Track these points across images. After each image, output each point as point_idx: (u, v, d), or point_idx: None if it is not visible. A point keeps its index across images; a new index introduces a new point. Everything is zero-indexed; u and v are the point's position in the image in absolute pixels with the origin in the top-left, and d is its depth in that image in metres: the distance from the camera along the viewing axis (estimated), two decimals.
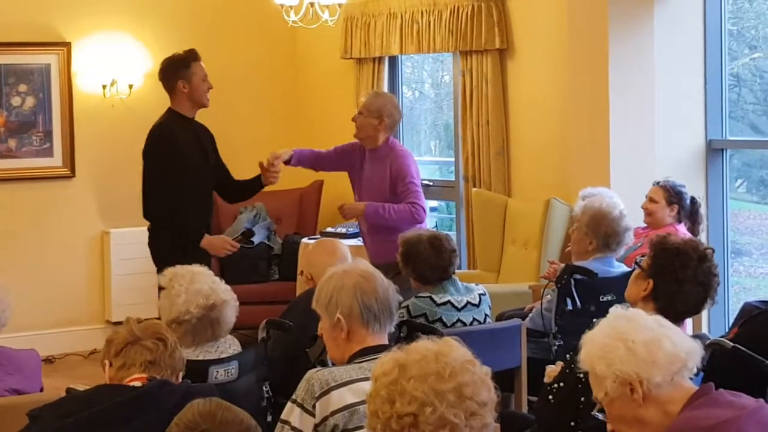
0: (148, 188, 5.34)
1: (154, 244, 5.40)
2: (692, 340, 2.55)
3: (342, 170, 5.87)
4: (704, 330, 5.44)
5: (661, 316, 3.22)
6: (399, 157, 5.59)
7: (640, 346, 2.47)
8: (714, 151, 6.24)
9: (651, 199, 5.60)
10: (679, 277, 3.41)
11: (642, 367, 2.45)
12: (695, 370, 2.52)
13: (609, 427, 2.55)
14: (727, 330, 4.40)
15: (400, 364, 2.18)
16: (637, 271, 3.54)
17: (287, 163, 5.68)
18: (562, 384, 3.36)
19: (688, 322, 4.34)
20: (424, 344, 2.23)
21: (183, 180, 5.27)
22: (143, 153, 5.38)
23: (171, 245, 5.24)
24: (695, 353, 2.51)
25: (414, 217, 5.52)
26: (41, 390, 3.83)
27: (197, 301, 3.67)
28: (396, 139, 5.83)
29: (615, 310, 2.62)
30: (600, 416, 2.57)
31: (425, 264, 4.58)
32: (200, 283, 3.73)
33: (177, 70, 5.37)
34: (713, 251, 3.55)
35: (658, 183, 5.65)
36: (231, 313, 3.77)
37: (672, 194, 5.56)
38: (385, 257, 5.25)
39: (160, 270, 5.30)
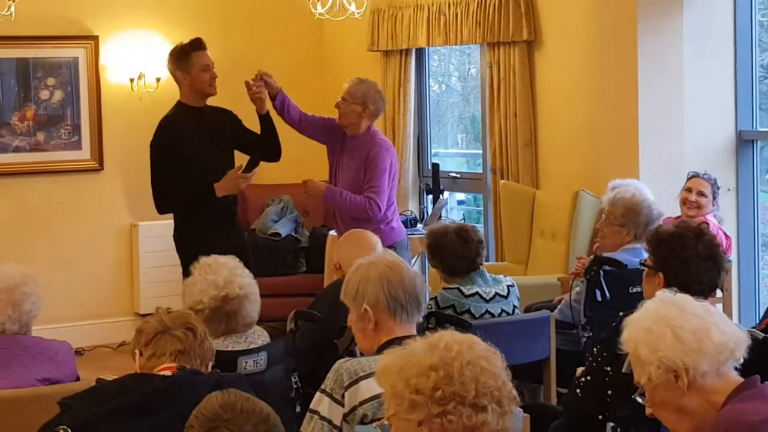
0: (155, 182, 5.33)
1: (176, 235, 5.43)
2: (740, 329, 2.52)
3: (321, 143, 5.72)
4: (734, 321, 5.40)
5: None
6: (376, 146, 5.46)
7: (688, 333, 2.43)
8: (744, 142, 6.19)
9: (701, 193, 5.60)
10: (683, 258, 3.41)
11: (689, 356, 2.42)
12: (741, 360, 2.48)
13: (648, 411, 2.53)
14: (757, 322, 4.36)
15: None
16: (646, 270, 3.54)
17: (273, 99, 5.49)
18: (589, 377, 3.36)
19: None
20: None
21: (187, 170, 5.24)
22: (150, 146, 5.35)
23: (192, 238, 5.27)
24: (743, 343, 2.48)
25: (366, 212, 5.37)
26: (77, 379, 3.84)
27: (210, 291, 3.60)
28: (378, 128, 5.62)
29: (662, 295, 2.58)
30: (640, 400, 2.54)
31: (452, 255, 4.58)
32: (217, 274, 3.63)
33: (175, 62, 5.36)
34: (707, 225, 3.58)
35: (700, 175, 5.65)
36: (250, 307, 3.66)
37: (715, 188, 5.64)
38: None
39: (183, 262, 5.36)
